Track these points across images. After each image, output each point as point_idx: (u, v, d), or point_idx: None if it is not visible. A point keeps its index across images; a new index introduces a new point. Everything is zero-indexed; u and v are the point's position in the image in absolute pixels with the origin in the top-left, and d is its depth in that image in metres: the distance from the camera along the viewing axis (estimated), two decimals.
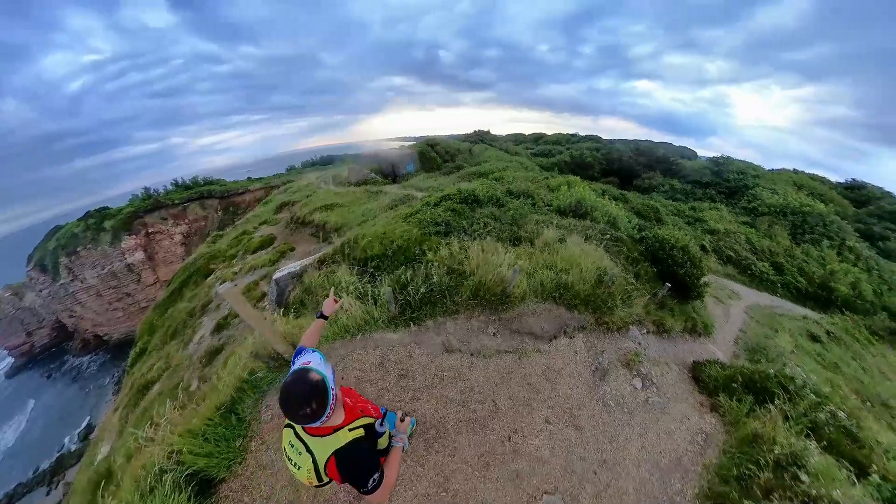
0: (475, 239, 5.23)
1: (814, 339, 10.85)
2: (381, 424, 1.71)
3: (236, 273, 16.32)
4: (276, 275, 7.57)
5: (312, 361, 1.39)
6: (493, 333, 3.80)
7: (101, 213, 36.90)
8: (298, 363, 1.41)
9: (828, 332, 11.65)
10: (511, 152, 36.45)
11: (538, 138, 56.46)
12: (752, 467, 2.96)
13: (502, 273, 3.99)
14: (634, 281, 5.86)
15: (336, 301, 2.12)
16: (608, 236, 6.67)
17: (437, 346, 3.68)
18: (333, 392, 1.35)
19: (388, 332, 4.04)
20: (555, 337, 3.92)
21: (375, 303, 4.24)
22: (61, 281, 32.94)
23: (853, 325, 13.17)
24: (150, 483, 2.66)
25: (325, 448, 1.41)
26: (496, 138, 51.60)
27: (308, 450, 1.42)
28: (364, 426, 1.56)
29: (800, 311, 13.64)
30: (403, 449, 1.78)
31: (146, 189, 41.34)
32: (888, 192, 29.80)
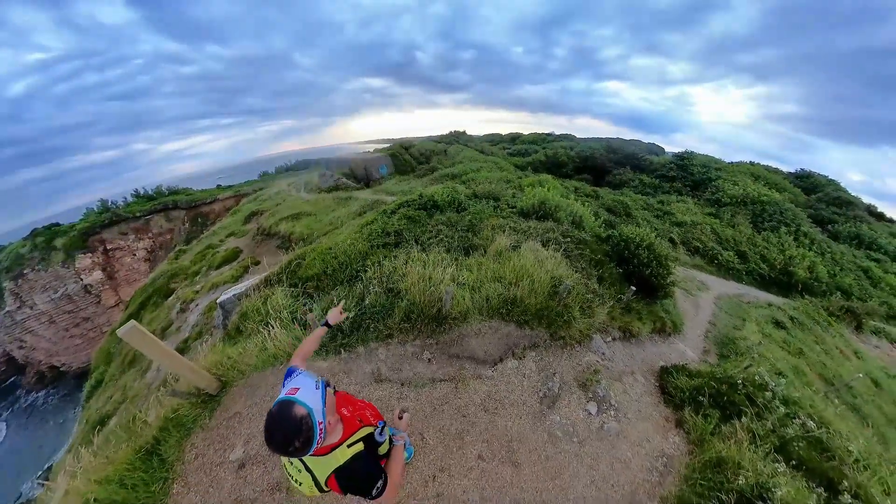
0: (425, 250, 4.82)
1: (779, 325, 11.11)
2: (381, 433, 1.65)
3: (197, 292, 15.21)
4: (222, 298, 7.04)
5: (301, 388, 1.26)
6: (429, 359, 3.41)
7: (51, 230, 33.94)
8: (285, 389, 1.29)
9: (791, 318, 12.00)
10: (487, 152, 36.44)
11: (514, 138, 56.83)
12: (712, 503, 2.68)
13: (439, 291, 3.60)
14: (598, 285, 5.61)
15: (342, 312, 2.19)
16: (570, 238, 6.42)
17: (367, 375, 3.28)
18: (321, 426, 1.24)
19: (319, 361, 3.65)
20: (500, 360, 3.55)
21: (305, 328, 3.86)
22: (7, 308, 30.05)
23: (813, 307, 13.70)
24: None
25: (324, 467, 1.38)
26: (472, 139, 51.58)
27: (307, 468, 1.39)
28: (363, 438, 1.51)
29: (764, 297, 14.06)
30: (406, 446, 1.74)
31: (103, 202, 38.38)
32: (832, 180, 32.32)
